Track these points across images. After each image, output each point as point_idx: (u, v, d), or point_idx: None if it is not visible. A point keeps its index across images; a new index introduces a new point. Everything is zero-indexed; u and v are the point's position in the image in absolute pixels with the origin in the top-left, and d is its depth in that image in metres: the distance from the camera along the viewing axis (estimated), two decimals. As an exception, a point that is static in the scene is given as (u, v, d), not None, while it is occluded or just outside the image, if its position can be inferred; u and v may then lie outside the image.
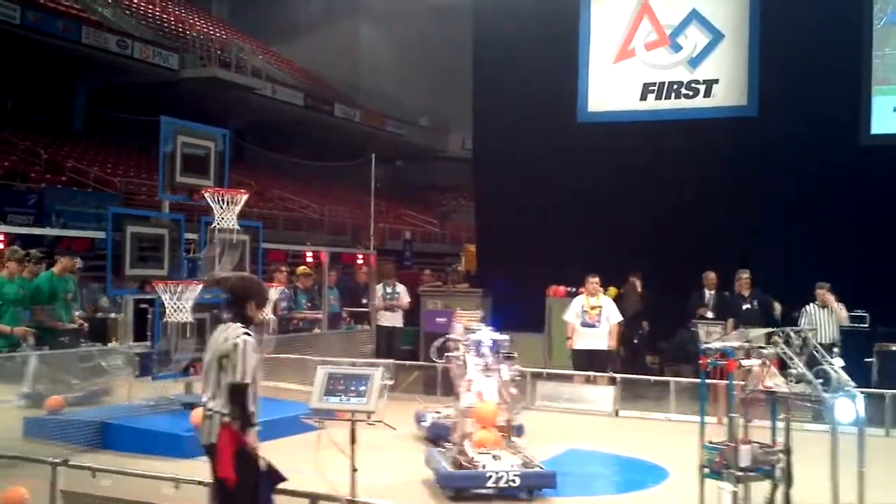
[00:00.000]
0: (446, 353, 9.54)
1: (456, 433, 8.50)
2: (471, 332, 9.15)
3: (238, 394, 5.61)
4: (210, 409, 5.68)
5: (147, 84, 31.19)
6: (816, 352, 6.78)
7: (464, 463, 8.02)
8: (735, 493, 6.44)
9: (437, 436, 9.67)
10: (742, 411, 6.80)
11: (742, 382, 6.84)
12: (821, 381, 6.50)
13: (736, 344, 6.86)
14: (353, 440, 6.24)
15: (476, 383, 8.70)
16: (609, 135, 17.39)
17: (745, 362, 6.75)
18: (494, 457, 8.08)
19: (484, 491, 7.79)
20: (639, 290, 15.66)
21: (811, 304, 13.35)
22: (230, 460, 5.56)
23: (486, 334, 8.95)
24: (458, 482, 7.87)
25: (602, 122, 17.83)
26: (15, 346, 10.65)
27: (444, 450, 8.56)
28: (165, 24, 36.30)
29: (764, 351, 6.78)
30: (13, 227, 15.38)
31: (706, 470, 6.70)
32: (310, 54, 42.11)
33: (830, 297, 13.21)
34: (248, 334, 5.71)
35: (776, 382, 6.77)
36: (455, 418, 8.73)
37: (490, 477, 7.79)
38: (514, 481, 7.82)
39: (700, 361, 6.81)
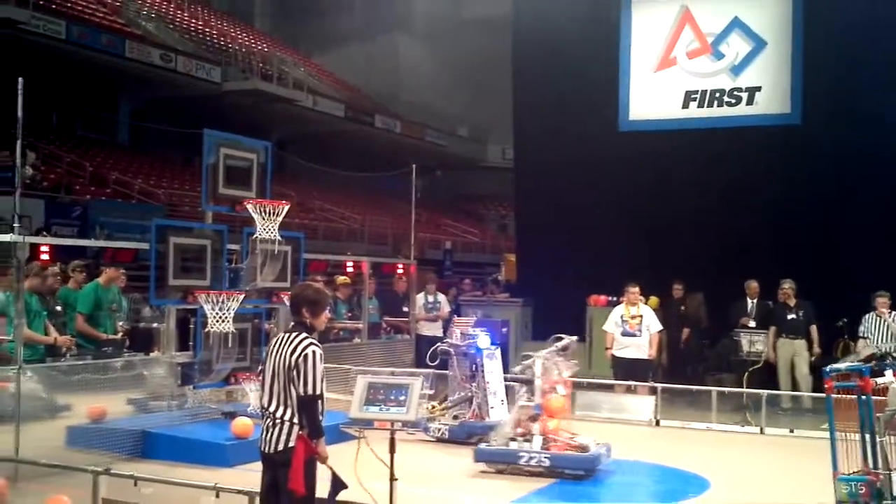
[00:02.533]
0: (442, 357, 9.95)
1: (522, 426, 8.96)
2: (468, 337, 9.54)
3: (310, 405, 5.68)
4: (279, 418, 5.71)
5: (190, 97, 31.52)
6: None
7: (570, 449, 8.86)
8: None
9: (469, 434, 10.08)
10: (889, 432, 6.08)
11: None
12: None
13: (860, 362, 6.35)
14: (392, 449, 6.23)
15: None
16: (650, 143, 17.30)
17: (880, 380, 6.24)
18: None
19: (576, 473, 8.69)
20: (680, 297, 15.58)
21: (870, 313, 13.20)
22: (302, 471, 5.60)
23: (483, 340, 9.39)
24: (589, 464, 8.75)
25: (643, 131, 17.74)
26: (57, 356, 10.76)
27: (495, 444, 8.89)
28: (208, 38, 36.68)
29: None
30: (58, 238, 15.56)
31: None
32: (350, 66, 42.35)
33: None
34: (316, 344, 5.77)
35: None
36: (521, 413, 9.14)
37: (601, 455, 8.94)
38: (607, 456, 9.07)
39: (825, 385, 6.22)
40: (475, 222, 43.37)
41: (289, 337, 5.82)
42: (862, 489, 5.80)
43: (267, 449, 5.77)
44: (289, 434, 5.70)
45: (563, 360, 9.57)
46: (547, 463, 8.16)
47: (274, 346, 5.88)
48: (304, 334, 5.80)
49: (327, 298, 6.37)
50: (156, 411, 9.96)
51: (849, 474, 5.98)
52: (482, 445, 9.11)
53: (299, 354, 5.67)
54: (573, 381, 9.97)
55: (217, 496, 6.47)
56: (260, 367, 6.20)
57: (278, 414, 5.73)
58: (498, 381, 10.78)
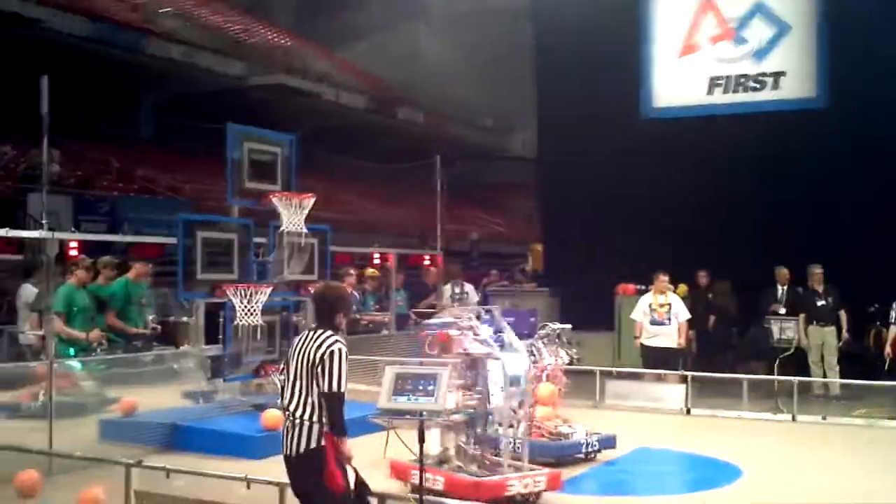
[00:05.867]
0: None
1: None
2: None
3: (334, 403, 5.55)
4: (299, 418, 5.58)
5: (213, 93, 31.60)
6: None
7: (547, 436, 9.00)
8: None
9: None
10: None
11: None
12: None
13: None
14: (421, 439, 6.22)
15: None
16: (675, 131, 17.23)
17: None
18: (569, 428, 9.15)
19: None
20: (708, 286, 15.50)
21: None
22: (335, 469, 5.51)
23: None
24: (559, 452, 8.85)
25: (668, 118, 17.66)
26: (88, 351, 10.85)
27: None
28: (230, 33, 36.72)
29: None
30: (86, 234, 15.65)
31: None
32: (372, 58, 42.29)
33: None
34: (341, 342, 5.66)
35: None
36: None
37: (582, 444, 9.07)
38: (594, 446, 9.16)
39: None
40: (500, 213, 43.25)
41: (313, 335, 5.72)
42: None
43: (288, 451, 5.64)
44: (309, 435, 5.55)
45: (556, 347, 9.57)
46: (520, 450, 8.10)
47: (297, 345, 5.77)
48: (329, 332, 5.70)
49: (350, 297, 6.34)
50: (186, 405, 10.01)
51: None
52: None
53: (325, 351, 5.56)
54: (566, 368, 9.90)
55: (248, 487, 6.51)
56: (282, 366, 6.11)
57: (298, 413, 5.60)
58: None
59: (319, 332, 5.71)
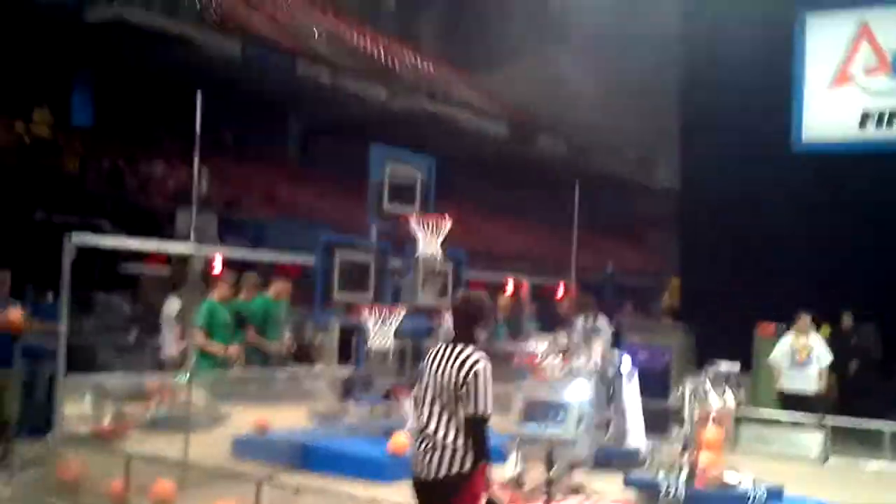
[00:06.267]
0: None
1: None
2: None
3: (481, 427, 5.19)
4: (441, 440, 5.19)
5: (357, 115, 32.19)
6: None
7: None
8: None
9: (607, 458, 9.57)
10: None
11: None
12: None
13: None
14: (548, 467, 6.10)
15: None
16: (825, 165, 16.66)
17: None
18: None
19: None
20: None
21: None
22: (479, 495, 5.22)
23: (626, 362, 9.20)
24: (721, 501, 8.17)
25: (817, 153, 17.12)
26: (225, 366, 11.13)
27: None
28: (375, 57, 37.38)
29: None
30: (230, 247, 16.14)
31: None
32: (515, 85, 42.42)
33: None
34: (486, 359, 5.25)
35: None
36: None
37: (750, 495, 8.25)
38: (762, 496, 8.33)
39: None
40: (637, 246, 42.68)
41: (452, 350, 5.28)
42: None
43: (427, 474, 5.24)
44: (452, 459, 5.16)
45: (722, 389, 9.21)
46: (682, 496, 7.79)
47: (434, 360, 5.34)
48: (470, 347, 5.28)
49: (492, 309, 6.13)
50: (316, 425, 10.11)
51: None
52: (635, 472, 8.72)
53: (468, 370, 5.15)
54: (734, 412, 9.52)
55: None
56: (416, 383, 5.63)
57: (440, 436, 5.19)
58: (636, 406, 10.45)
59: (459, 347, 5.30)
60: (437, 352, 5.40)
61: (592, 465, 9.30)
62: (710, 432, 8.74)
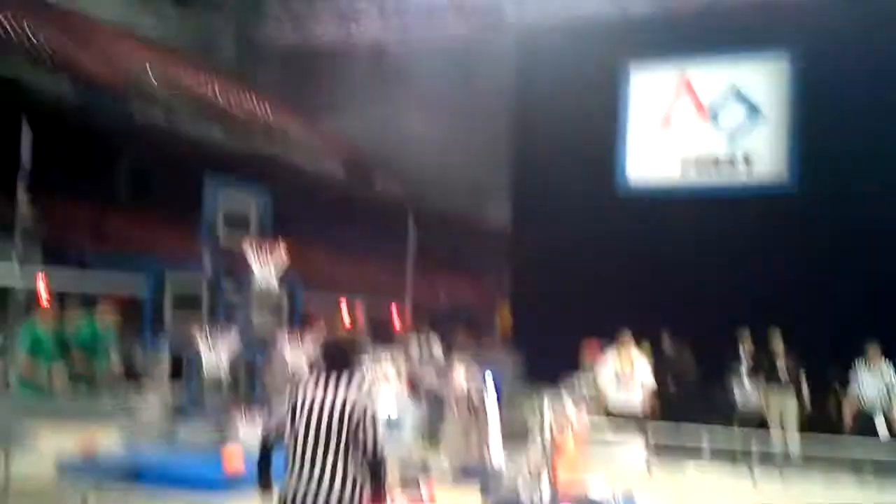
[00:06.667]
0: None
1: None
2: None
3: (379, 472, 4.87)
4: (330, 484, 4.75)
5: (192, 154, 31.65)
6: None
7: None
8: None
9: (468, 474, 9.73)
10: None
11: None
12: None
13: None
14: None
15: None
16: (649, 206, 17.51)
17: None
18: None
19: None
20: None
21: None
22: None
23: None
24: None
25: (641, 197, 17.94)
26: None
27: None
28: (211, 98, 37.01)
29: None
30: (57, 273, 15.63)
31: None
32: (351, 127, 42.71)
33: None
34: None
35: None
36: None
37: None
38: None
39: None
40: (469, 279, 43.35)
41: (332, 381, 4.91)
42: None
43: None
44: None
45: (574, 404, 9.47)
46: None
47: (308, 395, 4.90)
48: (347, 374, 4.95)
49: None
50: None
51: None
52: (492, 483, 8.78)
53: (361, 407, 4.83)
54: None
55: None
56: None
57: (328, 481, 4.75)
58: (496, 423, 10.64)
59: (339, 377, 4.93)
60: (312, 380, 4.99)
61: (454, 479, 9.53)
62: (569, 443, 9.01)
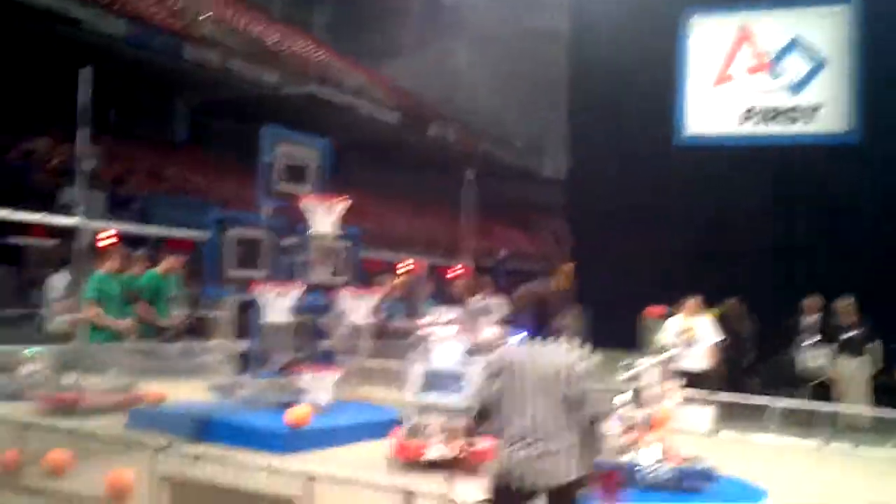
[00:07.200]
0: None
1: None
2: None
3: (597, 432, 4.90)
4: (541, 448, 4.75)
5: (248, 99, 31.81)
6: None
7: None
8: None
9: None
10: None
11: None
12: None
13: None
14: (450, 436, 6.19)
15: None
16: (706, 159, 17.25)
17: None
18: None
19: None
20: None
21: None
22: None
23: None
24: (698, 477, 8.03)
25: (700, 146, 17.68)
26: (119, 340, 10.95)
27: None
28: (266, 43, 36.99)
29: None
30: (119, 224, 15.79)
31: None
32: (407, 74, 42.51)
33: None
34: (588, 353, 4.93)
35: None
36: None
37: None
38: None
39: None
40: (529, 232, 43.26)
41: (548, 347, 4.91)
42: None
43: (547, 481, 4.75)
44: (568, 464, 4.78)
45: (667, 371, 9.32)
46: (669, 476, 7.85)
47: (525, 358, 4.91)
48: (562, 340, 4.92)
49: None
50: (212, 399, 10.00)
51: None
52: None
53: (581, 368, 4.83)
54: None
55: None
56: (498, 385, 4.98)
57: (550, 445, 4.76)
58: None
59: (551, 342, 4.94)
60: (528, 349, 4.99)
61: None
62: (664, 411, 8.70)
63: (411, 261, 16.71)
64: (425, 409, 6.68)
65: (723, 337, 13.17)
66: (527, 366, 4.86)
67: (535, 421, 4.77)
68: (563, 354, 4.86)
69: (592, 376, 4.82)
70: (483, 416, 4.98)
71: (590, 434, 4.83)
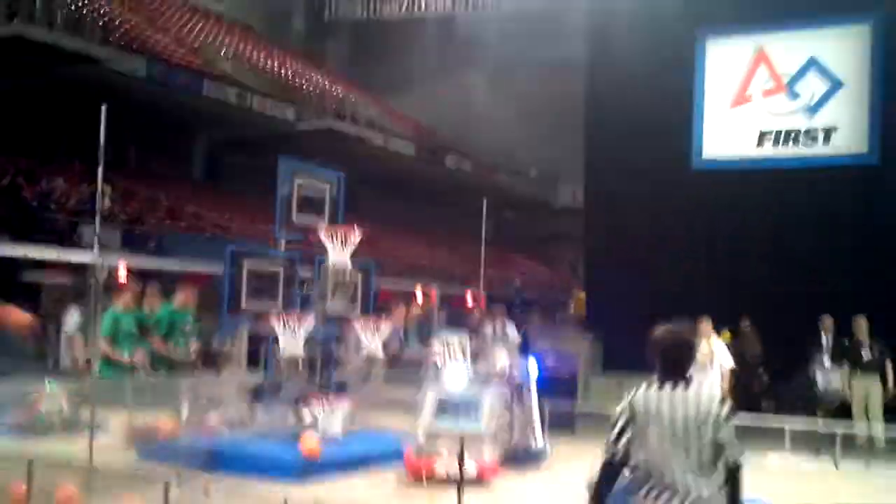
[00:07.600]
0: None
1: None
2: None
3: (739, 477, 4.68)
4: (693, 497, 4.55)
5: (265, 135, 32.02)
6: None
7: None
8: None
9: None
10: None
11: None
12: None
13: None
14: (461, 462, 6.15)
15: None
16: (724, 182, 17.17)
17: None
18: None
19: None
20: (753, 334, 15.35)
21: None
22: None
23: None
24: None
25: (717, 170, 17.60)
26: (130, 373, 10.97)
27: None
28: (283, 78, 37.29)
29: None
30: (133, 257, 15.87)
31: None
32: (422, 106, 42.70)
33: None
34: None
35: None
36: None
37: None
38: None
39: None
40: (544, 262, 43.20)
41: (680, 390, 4.69)
42: None
43: None
44: None
45: None
46: None
47: (661, 403, 4.68)
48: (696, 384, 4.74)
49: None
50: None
51: None
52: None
53: (722, 413, 4.65)
54: None
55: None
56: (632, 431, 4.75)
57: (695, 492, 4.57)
58: (537, 408, 10.49)
59: (685, 385, 4.73)
60: (660, 394, 4.73)
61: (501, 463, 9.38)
62: None
63: (425, 290, 16.64)
64: (436, 432, 6.62)
65: (732, 363, 13.05)
66: (666, 412, 4.65)
67: (684, 469, 4.59)
68: (706, 399, 4.70)
69: (733, 421, 4.68)
70: (620, 465, 4.76)
71: (733, 479, 4.67)
